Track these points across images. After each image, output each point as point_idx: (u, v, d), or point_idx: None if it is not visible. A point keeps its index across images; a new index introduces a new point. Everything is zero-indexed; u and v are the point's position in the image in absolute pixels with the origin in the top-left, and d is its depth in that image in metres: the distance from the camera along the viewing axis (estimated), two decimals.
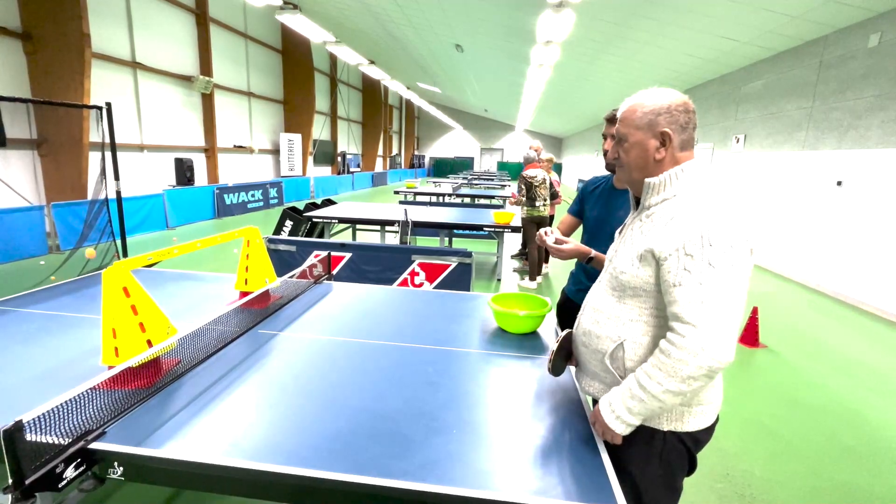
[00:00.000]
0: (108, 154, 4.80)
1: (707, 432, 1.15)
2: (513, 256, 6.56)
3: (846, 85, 5.84)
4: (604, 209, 1.93)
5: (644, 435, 1.13)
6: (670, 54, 8.79)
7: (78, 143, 7.20)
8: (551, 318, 2.07)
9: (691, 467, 1.19)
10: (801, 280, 6.51)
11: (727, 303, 0.96)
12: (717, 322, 0.96)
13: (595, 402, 1.28)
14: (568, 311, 2.04)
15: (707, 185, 1.07)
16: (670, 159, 1.11)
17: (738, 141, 8.35)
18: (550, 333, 1.93)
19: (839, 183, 5.85)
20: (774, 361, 3.74)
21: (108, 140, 4.77)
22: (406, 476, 1.01)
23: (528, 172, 5.62)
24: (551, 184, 5.83)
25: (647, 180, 1.12)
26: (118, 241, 5.06)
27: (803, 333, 4.44)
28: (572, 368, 1.58)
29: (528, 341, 1.83)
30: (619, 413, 1.08)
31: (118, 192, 4.97)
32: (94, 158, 7.42)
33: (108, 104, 4.75)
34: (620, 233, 1.25)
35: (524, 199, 5.67)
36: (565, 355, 1.34)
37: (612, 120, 1.74)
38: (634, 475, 1.15)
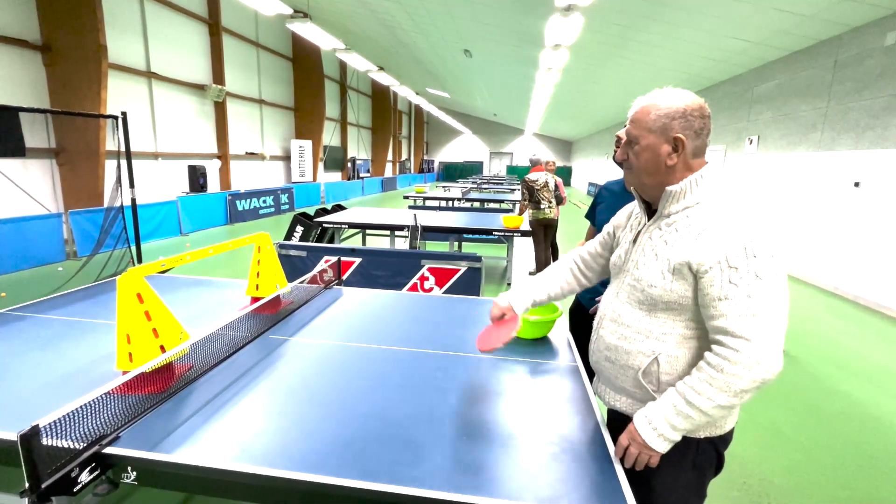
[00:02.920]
0: (124, 162, 4.89)
1: (732, 431, 1.16)
2: (529, 273, 6.52)
3: (863, 84, 5.73)
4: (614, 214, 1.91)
5: (677, 444, 1.09)
6: (681, 56, 8.72)
7: (95, 152, 7.36)
8: (562, 324, 2.05)
9: (718, 467, 1.17)
10: (818, 283, 6.37)
11: (776, 313, 0.95)
12: (769, 334, 0.95)
13: (614, 412, 1.25)
14: (580, 316, 2.02)
15: (730, 192, 1.05)
16: (682, 165, 1.08)
17: (751, 142, 8.24)
18: (561, 339, 1.92)
19: (857, 184, 5.73)
20: (792, 367, 3.66)
21: (123, 149, 4.86)
22: (415, 483, 1.01)
23: (530, 176, 5.67)
24: (556, 186, 5.83)
25: (668, 188, 1.09)
26: (133, 248, 5.14)
27: (822, 338, 4.34)
28: (583, 374, 1.56)
29: (537, 346, 1.82)
30: (662, 430, 1.02)
31: (133, 200, 5.07)
32: (110, 166, 7.58)
33: (124, 114, 4.85)
34: (635, 241, 1.18)
35: (527, 202, 5.70)
36: None
37: None
38: (665, 484, 1.12)
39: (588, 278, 1.44)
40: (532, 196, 5.66)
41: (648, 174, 1.11)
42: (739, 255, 0.96)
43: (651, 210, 1.17)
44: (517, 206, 8.90)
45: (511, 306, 1.39)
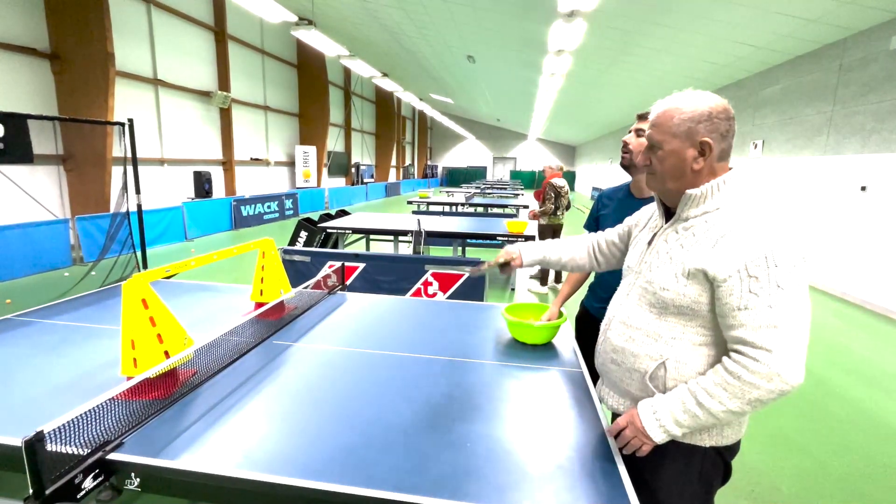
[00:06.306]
0: (130, 168, 4.93)
1: (740, 441, 1.13)
2: (531, 277, 6.51)
3: (868, 88, 5.71)
4: (620, 222, 1.88)
5: (684, 453, 1.08)
6: (684, 60, 8.73)
7: (101, 158, 7.43)
8: (566, 329, 2.04)
9: (725, 476, 1.15)
10: (825, 288, 6.32)
11: (799, 325, 0.92)
12: (791, 346, 0.92)
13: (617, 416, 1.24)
14: (586, 323, 2.00)
15: (754, 198, 1.01)
16: (708, 170, 1.04)
17: (755, 147, 8.21)
18: (566, 345, 1.90)
19: (863, 188, 5.69)
20: None
21: (129, 155, 4.91)
22: (419, 491, 1.00)
23: (558, 182, 5.63)
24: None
25: (687, 192, 1.05)
26: (138, 253, 5.17)
27: (829, 343, 4.30)
28: (588, 381, 1.55)
29: (542, 352, 1.81)
30: (665, 423, 1.01)
31: (139, 206, 5.10)
32: (116, 173, 7.64)
33: (130, 121, 4.90)
34: (650, 243, 1.18)
35: (552, 206, 5.68)
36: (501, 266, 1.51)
37: (644, 116, 1.64)
38: (672, 494, 1.11)
39: (599, 262, 1.50)
40: (556, 202, 5.68)
41: (674, 179, 1.07)
42: (760, 264, 0.92)
43: (670, 213, 1.14)
44: (521, 210, 8.90)
45: (520, 255, 1.52)
